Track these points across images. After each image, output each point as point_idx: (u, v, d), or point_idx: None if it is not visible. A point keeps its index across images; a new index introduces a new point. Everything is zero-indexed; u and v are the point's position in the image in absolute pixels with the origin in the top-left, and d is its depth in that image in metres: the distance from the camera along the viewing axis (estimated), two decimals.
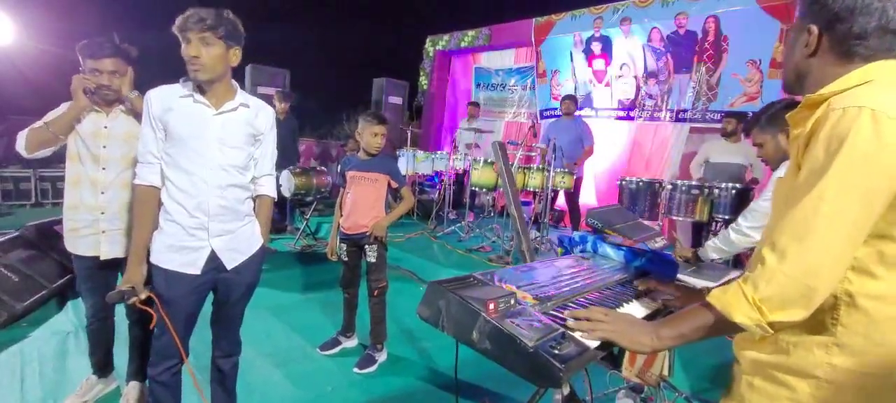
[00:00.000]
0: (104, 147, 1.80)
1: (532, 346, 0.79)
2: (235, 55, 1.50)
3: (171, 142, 1.45)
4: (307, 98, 5.50)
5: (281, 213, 5.45)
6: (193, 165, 1.45)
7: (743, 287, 0.76)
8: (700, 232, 4.23)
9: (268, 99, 5.90)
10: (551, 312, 0.99)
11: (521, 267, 1.27)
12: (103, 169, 1.80)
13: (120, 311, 1.96)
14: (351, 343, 2.72)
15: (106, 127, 1.81)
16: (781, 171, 1.65)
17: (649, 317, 1.14)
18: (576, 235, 1.68)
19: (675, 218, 3.97)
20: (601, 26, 6.21)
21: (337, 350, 2.65)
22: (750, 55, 4.99)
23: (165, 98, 1.45)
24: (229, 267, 1.56)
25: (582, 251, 1.63)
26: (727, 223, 3.89)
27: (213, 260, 1.52)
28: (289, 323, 3.00)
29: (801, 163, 0.77)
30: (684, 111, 5.54)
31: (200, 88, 1.47)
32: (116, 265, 1.88)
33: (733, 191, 3.67)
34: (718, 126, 4.91)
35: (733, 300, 0.76)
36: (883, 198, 0.70)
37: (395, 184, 2.54)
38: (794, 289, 0.71)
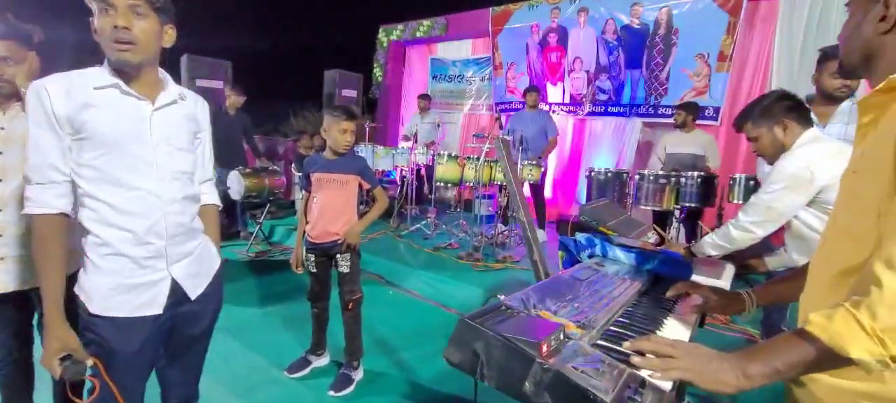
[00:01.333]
0: (0, 153, 1.44)
1: (611, 402, 0.63)
2: (170, 35, 1.19)
3: (97, 150, 1.09)
4: (252, 91, 5.03)
5: (230, 218, 5.01)
6: (138, 177, 1.12)
7: (856, 314, 0.63)
8: (663, 221, 4.30)
9: (213, 93, 5.40)
10: (605, 343, 0.83)
11: (543, 284, 1.11)
12: (0, 181, 1.44)
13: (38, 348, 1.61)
14: (322, 361, 2.47)
15: (2, 128, 1.45)
16: (809, 159, 1.58)
17: (690, 339, 1.02)
18: (581, 238, 1.55)
19: (643, 207, 4.00)
20: (558, 16, 6.20)
21: (307, 371, 2.39)
22: (698, 49, 5.13)
23: (74, 90, 1.07)
24: (194, 295, 1.27)
25: (591, 255, 1.51)
26: (691, 211, 3.99)
27: (175, 293, 1.22)
28: (248, 343, 2.69)
29: None
30: (636, 106, 5.65)
31: (123, 76, 1.12)
32: (21, 298, 1.51)
33: (699, 180, 3.75)
34: (670, 121, 5.05)
35: (845, 331, 0.64)
36: None
37: (366, 185, 2.31)
38: None
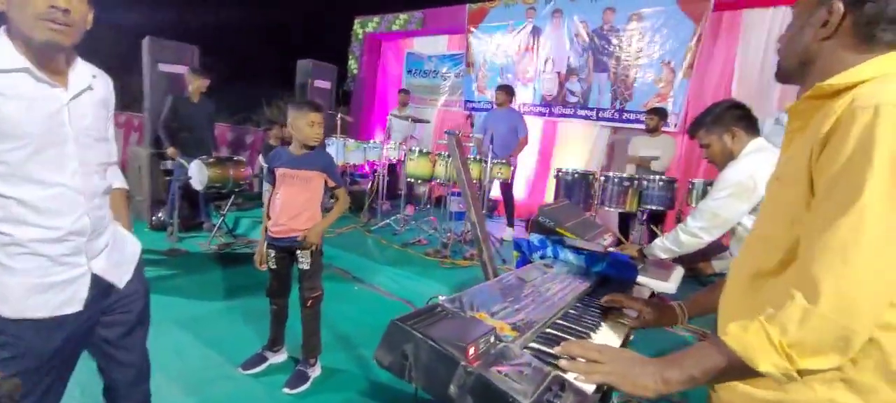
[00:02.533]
0: None
1: None
2: (89, 19, 1.10)
3: (7, 143, 0.96)
4: (221, 79, 4.87)
5: (193, 208, 4.85)
6: (55, 173, 1.03)
7: (767, 328, 0.64)
8: (627, 223, 4.42)
9: (178, 78, 5.20)
10: (535, 345, 0.85)
11: (487, 285, 1.12)
12: None
13: None
14: (279, 358, 2.42)
15: None
16: (753, 169, 1.65)
17: (623, 343, 1.05)
18: (534, 239, 1.57)
19: (607, 209, 4.10)
20: (533, 16, 6.25)
21: (263, 367, 2.34)
22: (664, 56, 5.27)
23: None
24: (123, 283, 1.22)
25: (542, 256, 1.53)
26: (652, 214, 4.11)
27: (97, 285, 1.15)
28: (204, 337, 2.62)
29: (815, 167, 0.68)
30: (603, 110, 5.77)
31: (37, 58, 0.99)
32: None
33: (661, 183, 3.86)
34: (636, 126, 5.17)
35: (756, 343, 0.65)
36: None
37: (331, 183, 2.28)
38: (832, 333, 0.61)
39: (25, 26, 0.96)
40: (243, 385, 2.23)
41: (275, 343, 2.40)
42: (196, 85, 4.55)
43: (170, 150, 4.38)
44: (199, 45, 5.90)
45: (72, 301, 1.10)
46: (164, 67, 5.41)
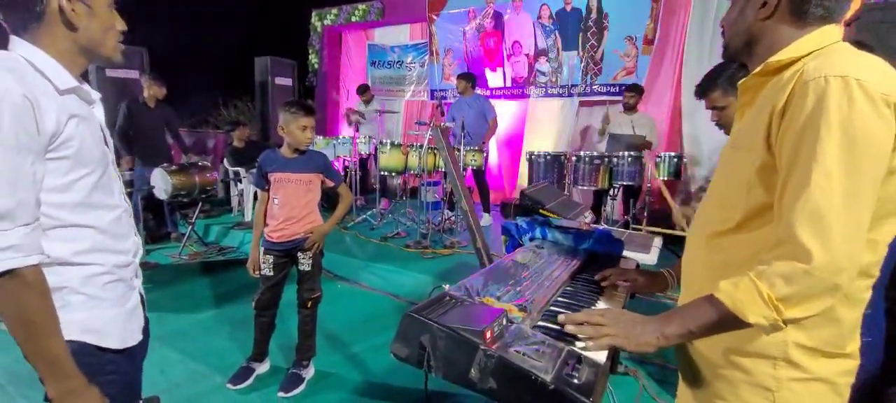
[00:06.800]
0: None
1: (552, 382, 0.67)
2: None
3: (83, 169, 0.90)
4: (174, 81, 4.64)
5: (158, 219, 4.66)
6: (114, 195, 0.99)
7: (757, 283, 0.70)
8: (600, 200, 4.54)
9: (128, 84, 4.92)
10: (543, 324, 0.88)
11: (487, 271, 1.15)
12: None
13: None
14: (264, 368, 2.36)
15: None
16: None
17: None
18: (521, 222, 1.60)
19: (581, 187, 4.19)
20: (494, 1, 6.26)
21: (251, 380, 2.26)
22: (627, 31, 5.41)
23: (51, 96, 0.83)
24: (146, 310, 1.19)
25: (531, 238, 1.57)
26: (625, 189, 4.24)
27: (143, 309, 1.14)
28: (187, 352, 2.54)
29: (775, 137, 0.73)
30: (574, 86, 5.88)
31: (78, 77, 0.94)
32: None
33: (630, 159, 3.98)
34: (604, 99, 5.28)
35: (746, 298, 0.70)
36: (882, 173, 0.68)
37: (330, 183, 2.25)
38: (818, 286, 0.67)
39: (105, 48, 0.94)
40: (235, 397, 2.18)
41: (261, 355, 2.34)
42: (153, 91, 4.35)
43: (123, 160, 4.19)
44: (147, 46, 5.60)
45: (140, 326, 1.07)
46: (113, 73, 5.13)
